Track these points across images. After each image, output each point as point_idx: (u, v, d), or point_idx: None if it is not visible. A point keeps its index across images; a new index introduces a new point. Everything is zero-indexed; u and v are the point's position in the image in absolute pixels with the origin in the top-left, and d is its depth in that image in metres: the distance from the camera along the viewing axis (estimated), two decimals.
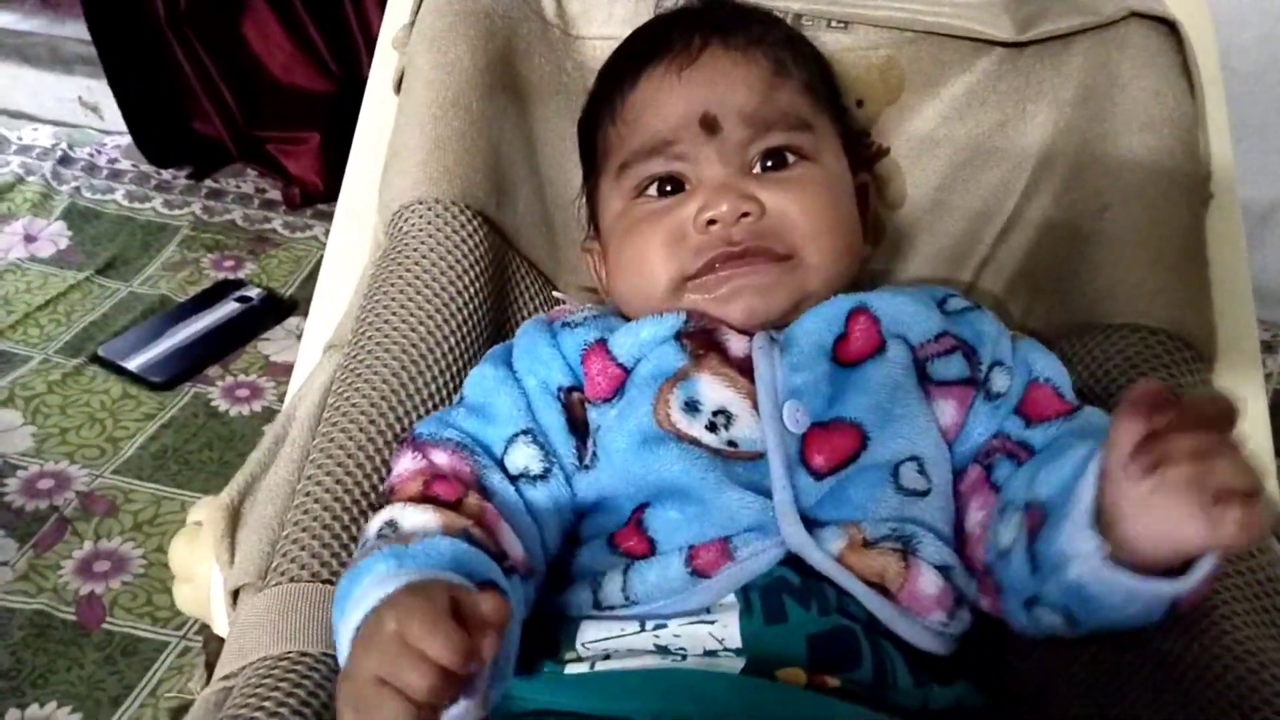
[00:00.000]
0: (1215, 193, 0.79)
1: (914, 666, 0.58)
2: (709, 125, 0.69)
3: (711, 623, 0.59)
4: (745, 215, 0.67)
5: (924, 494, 0.63)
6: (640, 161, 0.71)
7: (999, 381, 0.66)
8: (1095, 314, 0.74)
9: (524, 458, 0.64)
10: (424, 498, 0.60)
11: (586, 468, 0.65)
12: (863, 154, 0.84)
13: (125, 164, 2.10)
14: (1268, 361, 1.64)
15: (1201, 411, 0.48)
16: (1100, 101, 0.78)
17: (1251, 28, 1.58)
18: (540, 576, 0.63)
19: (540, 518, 0.63)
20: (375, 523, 0.59)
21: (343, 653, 0.50)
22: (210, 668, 0.64)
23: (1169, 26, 0.79)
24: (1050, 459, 0.58)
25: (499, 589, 0.53)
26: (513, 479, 0.63)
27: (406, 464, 0.63)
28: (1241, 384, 0.76)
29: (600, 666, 0.59)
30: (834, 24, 0.83)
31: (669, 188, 0.70)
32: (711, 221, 0.67)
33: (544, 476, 0.64)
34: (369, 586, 0.50)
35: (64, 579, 1.27)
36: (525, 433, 0.65)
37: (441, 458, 0.63)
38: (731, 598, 0.59)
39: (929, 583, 0.60)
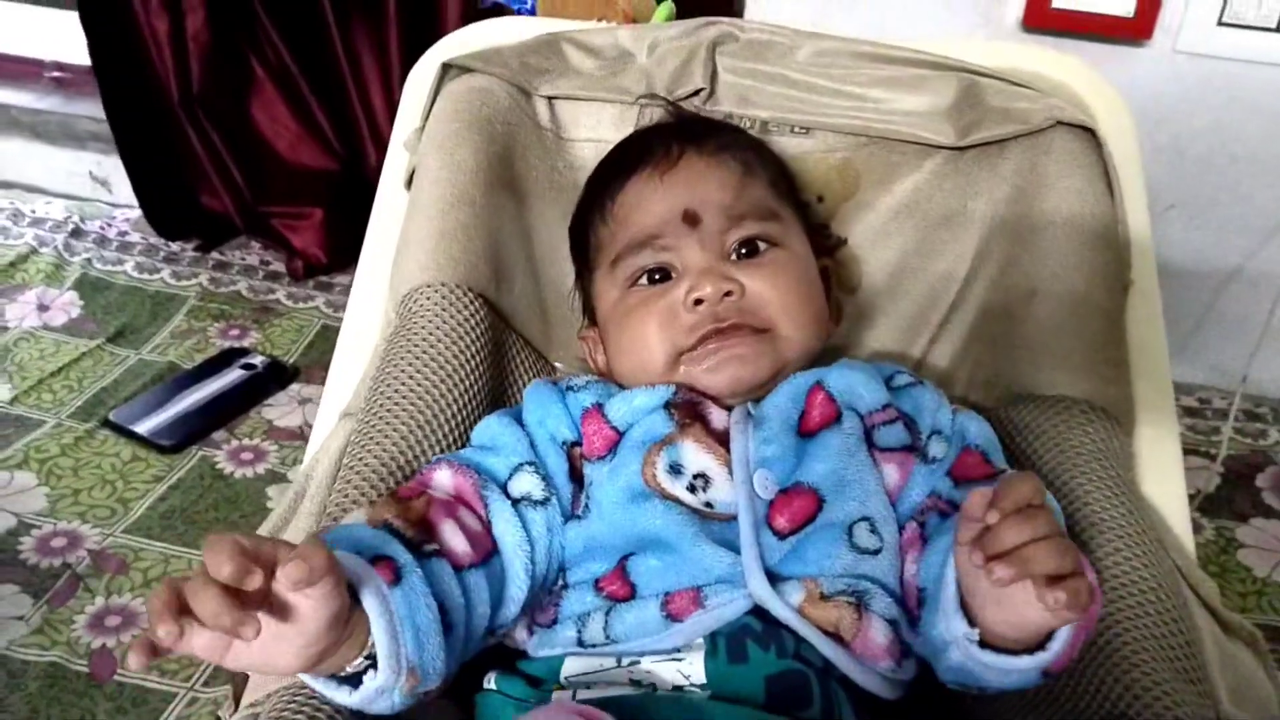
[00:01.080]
0: (1134, 280, 0.87)
1: (858, 711, 0.65)
2: (690, 219, 0.78)
3: (680, 660, 0.65)
4: (728, 294, 0.76)
5: (875, 552, 0.69)
6: (631, 255, 0.79)
7: (936, 448, 0.74)
8: (1028, 386, 0.82)
9: (527, 484, 0.71)
10: (382, 498, 0.67)
11: (579, 517, 0.72)
12: (823, 243, 0.93)
13: (135, 236, 2.17)
14: (1222, 428, 1.71)
15: (1014, 494, 0.54)
16: (1030, 199, 0.86)
17: (1199, 117, 1.66)
18: (524, 592, 0.67)
19: (535, 538, 0.69)
20: None
21: None
22: (237, 698, 0.70)
23: (1090, 133, 0.87)
24: (930, 543, 0.66)
25: (394, 562, 0.58)
26: (514, 501, 0.70)
27: (406, 488, 0.70)
28: (1160, 445, 0.83)
29: (581, 695, 0.65)
30: (796, 130, 0.92)
31: (658, 276, 0.79)
32: (699, 301, 0.75)
33: (544, 503, 0.71)
34: None
35: (77, 633, 1.31)
36: (530, 464, 0.72)
37: (445, 474, 0.69)
38: (700, 640, 0.66)
39: (880, 633, 0.66)
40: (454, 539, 0.64)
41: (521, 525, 0.69)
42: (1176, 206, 1.76)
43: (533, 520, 0.70)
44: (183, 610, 0.48)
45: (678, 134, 0.83)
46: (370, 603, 0.55)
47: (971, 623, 0.59)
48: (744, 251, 0.79)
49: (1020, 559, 0.53)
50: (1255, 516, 1.60)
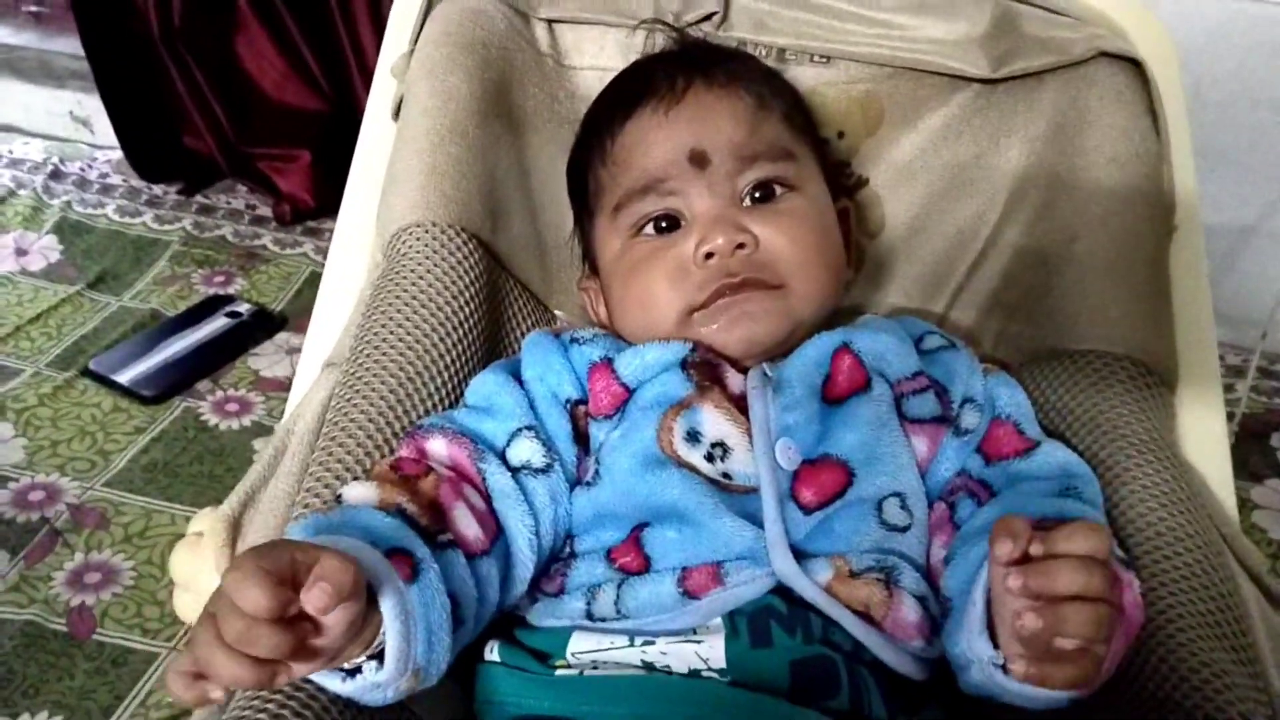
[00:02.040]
0: (1179, 224, 0.82)
1: (887, 696, 0.61)
2: (698, 160, 0.72)
3: (698, 642, 0.61)
4: (741, 247, 0.70)
5: (905, 529, 0.66)
6: (634, 201, 0.74)
7: (969, 418, 0.70)
8: (1064, 340, 0.77)
9: (527, 451, 0.67)
10: (388, 470, 0.62)
11: (588, 484, 0.67)
12: (843, 184, 0.88)
13: (116, 179, 2.11)
14: (1238, 385, 1.68)
15: (1080, 542, 0.51)
16: (1070, 137, 0.81)
17: (1223, 60, 1.62)
18: (529, 568, 0.64)
19: (538, 509, 0.65)
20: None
21: None
22: None
23: (1135, 66, 0.82)
24: (961, 548, 0.62)
25: (412, 557, 0.55)
26: (513, 470, 0.66)
27: (400, 452, 0.66)
28: (1202, 405, 0.79)
29: (588, 674, 0.61)
30: (816, 59, 0.87)
31: (664, 224, 0.73)
32: (709, 255, 0.70)
33: (545, 470, 0.66)
34: None
35: (55, 590, 1.27)
36: (529, 428, 0.67)
37: (439, 444, 0.65)
38: (718, 621, 0.61)
39: (910, 610, 0.62)
40: (466, 524, 0.61)
41: (523, 498, 0.65)
42: (1195, 156, 1.70)
43: (534, 491, 0.66)
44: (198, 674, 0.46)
45: (683, 64, 0.76)
46: (388, 605, 0.52)
47: (997, 644, 0.55)
48: (757, 195, 0.74)
49: (1057, 617, 0.50)
50: (1271, 477, 1.56)
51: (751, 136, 0.73)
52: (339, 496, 0.61)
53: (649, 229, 0.74)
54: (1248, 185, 1.71)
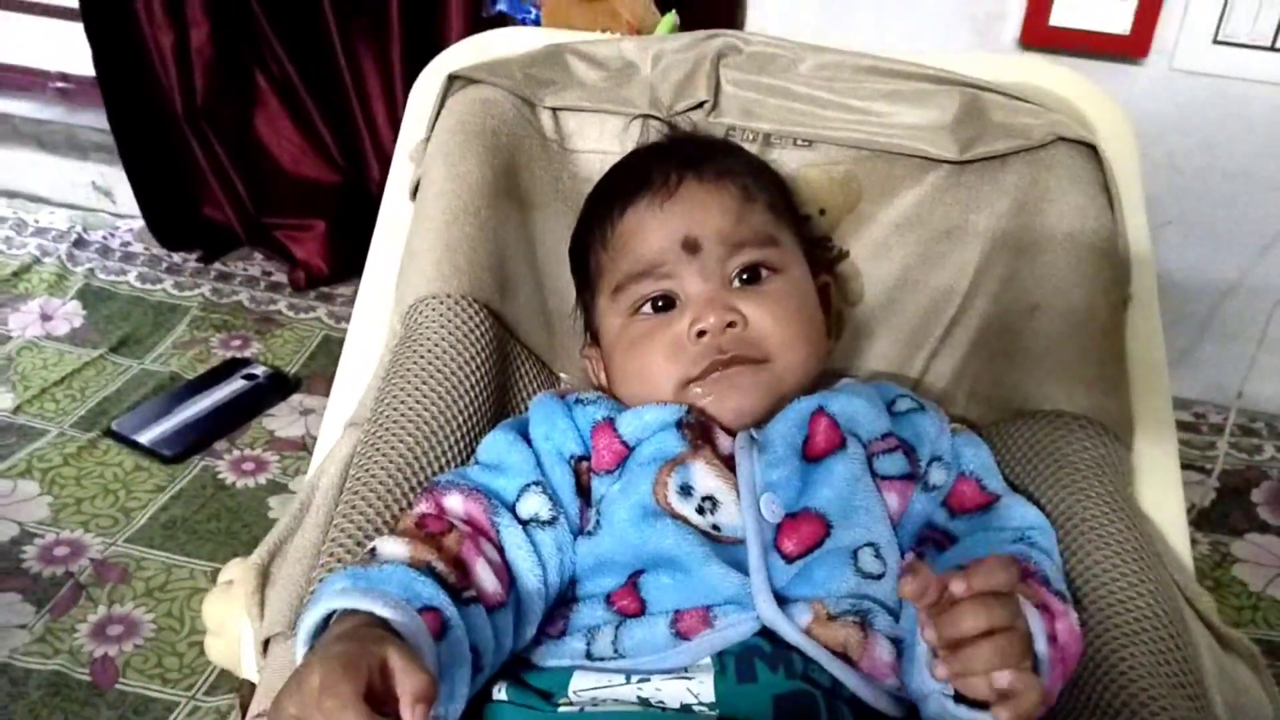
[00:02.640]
0: (1134, 294, 0.87)
1: None
2: (691, 247, 0.78)
3: (689, 679, 0.65)
4: (731, 325, 0.77)
5: (879, 576, 0.70)
6: (633, 283, 0.80)
7: (936, 475, 0.75)
8: (1028, 402, 0.82)
9: (535, 505, 0.72)
10: (414, 527, 0.67)
11: (589, 534, 0.73)
12: (825, 256, 0.93)
13: (138, 247, 2.17)
14: (1218, 442, 1.72)
15: (981, 578, 0.54)
16: (1031, 214, 0.87)
17: (1194, 134, 1.67)
18: (538, 615, 0.69)
19: (545, 559, 0.70)
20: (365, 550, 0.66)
21: (299, 647, 0.59)
22: (244, 708, 0.70)
23: (1091, 149, 0.88)
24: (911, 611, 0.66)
25: (441, 615, 0.60)
26: (523, 523, 0.71)
27: (419, 507, 0.71)
28: (1157, 459, 0.83)
29: (589, 711, 0.65)
30: (799, 142, 0.93)
31: (660, 303, 0.79)
32: (702, 333, 0.76)
33: (552, 523, 0.71)
34: (325, 597, 0.58)
35: (79, 641, 1.32)
36: (536, 484, 0.73)
37: (456, 500, 0.70)
38: (707, 660, 0.66)
39: (885, 651, 0.66)
40: (486, 579, 0.66)
41: (533, 549, 0.70)
42: (1173, 222, 1.77)
43: (542, 541, 0.71)
44: None
45: (676, 159, 0.82)
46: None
47: None
48: (745, 277, 0.80)
49: (961, 659, 0.54)
50: (1250, 531, 1.60)
51: (739, 225, 0.80)
52: (373, 550, 0.65)
53: (647, 308, 0.80)
54: (1222, 251, 1.77)
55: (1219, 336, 1.83)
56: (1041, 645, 0.58)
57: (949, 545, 0.72)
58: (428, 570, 0.62)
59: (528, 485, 0.73)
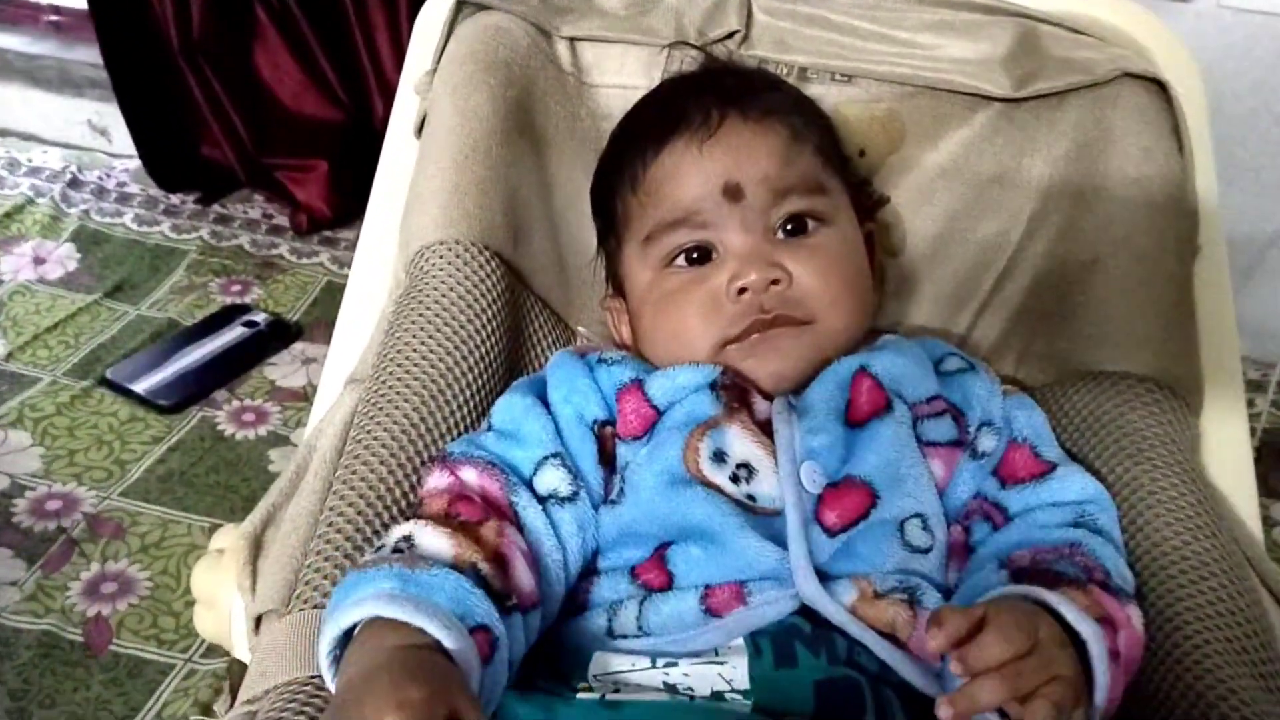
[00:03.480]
0: (1203, 244, 0.82)
1: (913, 719, 0.60)
2: (732, 193, 0.72)
3: (721, 663, 0.61)
4: (775, 283, 0.71)
5: (926, 550, 0.66)
6: (666, 233, 0.74)
7: (986, 442, 0.70)
8: (1087, 361, 0.77)
9: (553, 479, 0.67)
10: (446, 515, 0.62)
11: (613, 502, 0.68)
12: (865, 202, 0.87)
13: (134, 188, 2.14)
14: (1258, 400, 1.67)
15: (986, 656, 0.52)
16: (1093, 157, 0.81)
17: (1243, 75, 1.63)
18: (558, 601, 0.65)
19: (565, 539, 0.66)
20: (395, 533, 0.61)
21: (324, 643, 0.54)
22: (234, 691, 0.66)
23: (1159, 86, 0.82)
24: (967, 578, 0.65)
25: (491, 636, 0.56)
26: (541, 499, 0.66)
27: (436, 480, 0.66)
28: (1227, 427, 0.78)
29: (610, 697, 0.61)
30: (838, 77, 0.87)
31: (696, 255, 0.73)
32: (743, 290, 0.70)
33: (571, 499, 0.67)
34: (369, 597, 0.53)
35: (71, 600, 1.29)
36: (555, 455, 0.68)
37: (471, 475, 0.65)
38: (740, 641, 0.61)
39: None
40: (524, 579, 0.62)
41: (552, 529, 0.65)
42: (1215, 170, 1.70)
43: (562, 520, 0.66)
44: None
45: (716, 95, 0.75)
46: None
47: None
48: (790, 228, 0.74)
49: (968, 699, 0.52)
50: None
51: (786, 170, 0.73)
52: (409, 539, 0.60)
53: (680, 260, 0.74)
54: (1268, 198, 1.72)
55: (1263, 289, 1.77)
56: (1101, 674, 0.55)
57: (999, 519, 0.67)
58: (474, 574, 0.58)
59: (545, 458, 0.68)
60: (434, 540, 0.59)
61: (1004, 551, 0.65)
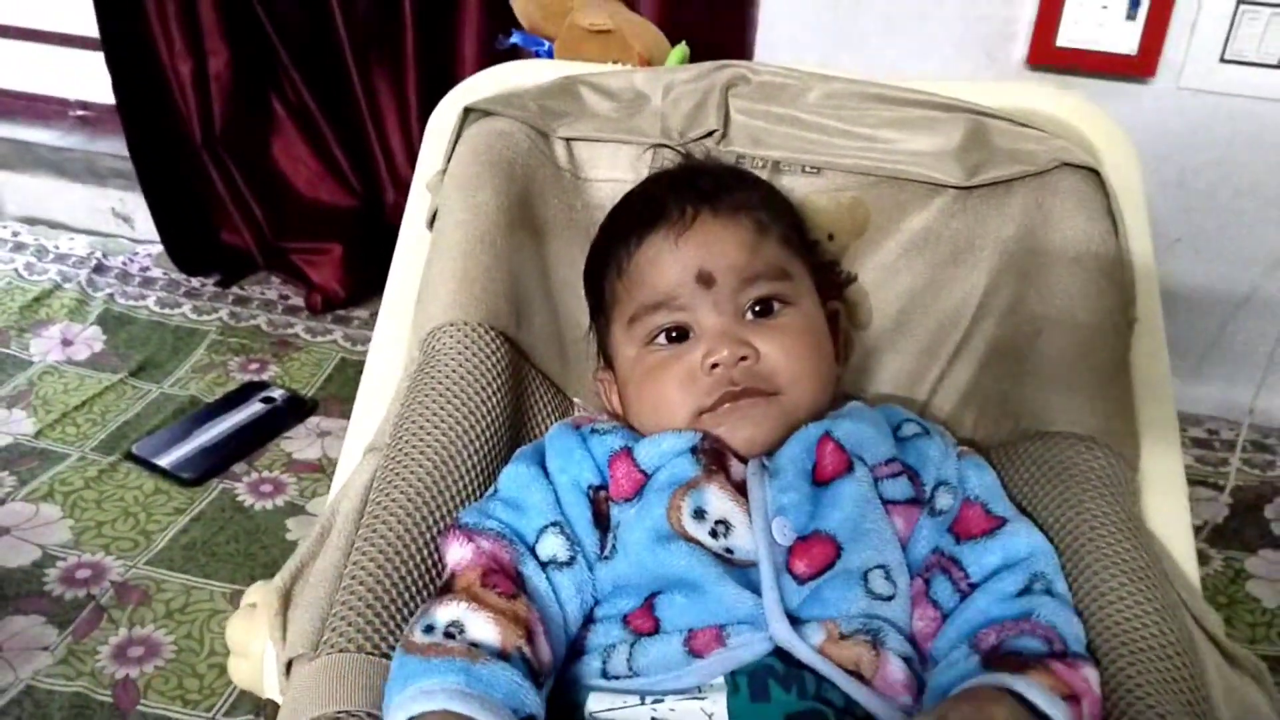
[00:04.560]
0: (1139, 316, 0.88)
1: None
2: (705, 280, 0.80)
3: (703, 699, 0.66)
4: (743, 359, 0.78)
5: (889, 598, 0.71)
6: (648, 314, 0.81)
7: (942, 500, 0.76)
8: (1035, 423, 0.83)
9: (553, 547, 0.73)
10: (483, 587, 0.67)
11: (606, 558, 0.74)
12: (834, 281, 0.95)
13: (157, 272, 2.20)
14: (1230, 459, 1.72)
15: None
16: (1036, 238, 0.88)
17: (1205, 150, 1.69)
18: (560, 659, 0.70)
19: (565, 603, 0.71)
20: (442, 614, 0.65)
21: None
22: None
23: (1094, 174, 0.89)
24: (941, 671, 0.67)
25: None
26: (543, 565, 0.72)
27: (461, 552, 0.71)
28: (1164, 479, 0.84)
29: None
30: (808, 169, 0.94)
31: (674, 334, 0.81)
32: (715, 365, 0.78)
33: (569, 563, 0.73)
34: (437, 689, 0.59)
35: (101, 663, 1.33)
36: (554, 524, 0.74)
37: (486, 545, 0.71)
38: (720, 679, 0.66)
39: (897, 669, 0.67)
40: (545, 651, 0.66)
41: (554, 594, 0.71)
42: (1183, 240, 1.78)
43: (562, 585, 0.72)
44: None
45: (692, 194, 0.83)
46: None
47: None
48: (758, 310, 0.81)
49: None
50: (1264, 548, 1.61)
51: (752, 259, 0.81)
52: (459, 625, 0.64)
53: (661, 339, 0.81)
54: (1234, 266, 1.78)
55: (1230, 353, 1.83)
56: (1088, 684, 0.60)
57: (955, 573, 0.73)
58: (520, 659, 0.63)
59: (546, 526, 0.74)
60: (482, 628, 0.64)
61: (971, 631, 0.69)
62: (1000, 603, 0.70)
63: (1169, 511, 0.83)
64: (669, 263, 0.81)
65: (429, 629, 0.65)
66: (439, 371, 0.82)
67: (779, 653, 0.67)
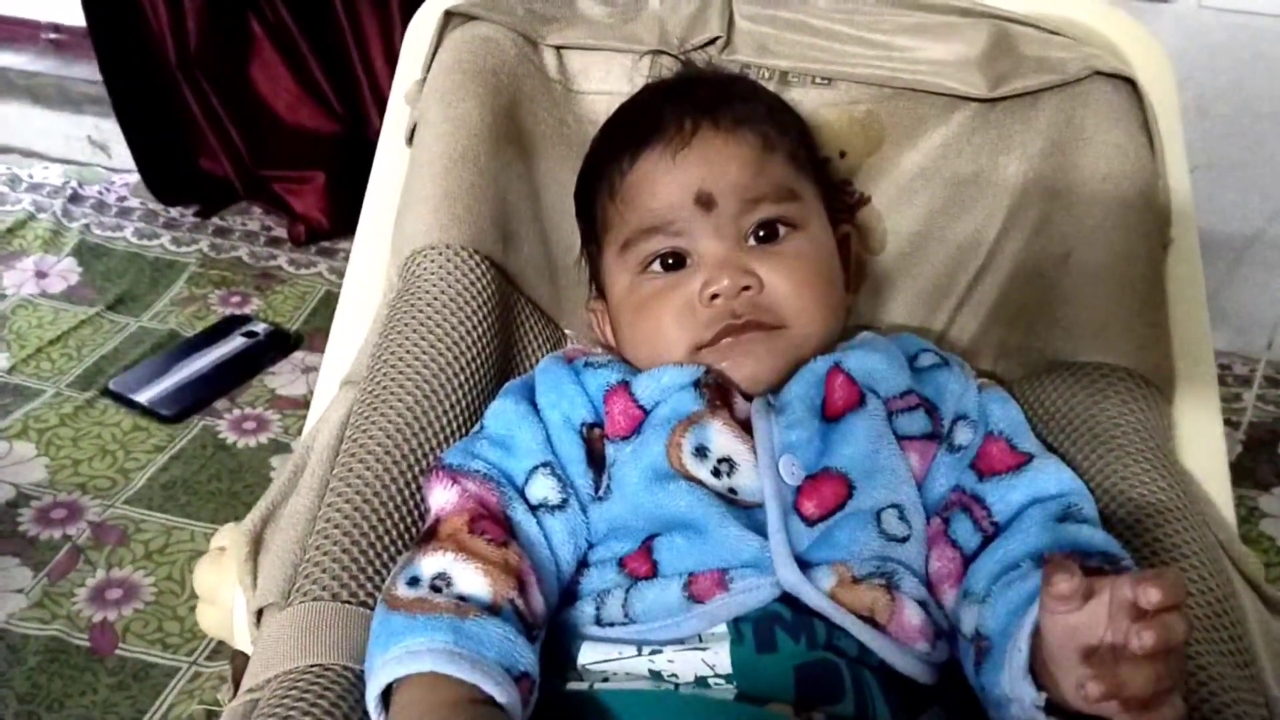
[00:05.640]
0: (1175, 238, 0.83)
1: (891, 700, 0.62)
2: (704, 202, 0.74)
3: (704, 649, 0.62)
4: (746, 289, 0.72)
5: (904, 539, 0.67)
6: (642, 240, 0.76)
7: (962, 435, 0.71)
8: (1062, 352, 0.78)
9: (543, 489, 0.68)
10: (470, 534, 0.63)
11: (600, 499, 0.69)
12: (845, 202, 0.89)
13: (134, 202, 2.16)
14: (1244, 394, 1.69)
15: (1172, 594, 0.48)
16: (1066, 154, 0.82)
17: (1226, 73, 1.64)
18: (552, 607, 0.66)
19: (556, 548, 0.67)
20: (427, 564, 0.61)
21: (377, 683, 0.56)
22: (236, 681, 0.67)
23: (1130, 84, 0.83)
24: (995, 587, 0.61)
25: (530, 680, 0.58)
26: (533, 508, 0.67)
27: (445, 495, 0.66)
28: (1200, 414, 0.80)
29: (599, 688, 0.63)
30: (818, 80, 0.88)
31: (671, 261, 0.75)
32: (715, 296, 0.72)
33: (561, 506, 0.68)
34: (424, 649, 0.55)
35: (77, 606, 1.31)
36: (545, 465, 0.69)
37: (471, 488, 0.66)
38: (723, 628, 0.62)
39: (913, 614, 0.63)
40: (538, 602, 0.63)
41: (545, 539, 0.67)
42: (1199, 167, 1.71)
43: (553, 529, 0.67)
44: None
45: (691, 105, 0.77)
46: None
47: (1040, 685, 0.54)
48: (761, 235, 0.75)
49: (1118, 682, 0.48)
50: (1278, 485, 1.58)
51: (757, 178, 0.75)
52: (445, 577, 0.61)
53: (656, 265, 0.76)
54: (1253, 194, 1.73)
55: (1247, 285, 1.79)
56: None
57: (978, 511, 0.68)
58: (512, 612, 0.60)
59: (536, 467, 0.69)
60: (471, 580, 0.60)
61: (1013, 562, 0.62)
62: (1034, 531, 0.64)
63: (1204, 449, 0.79)
64: (665, 182, 0.75)
65: (414, 581, 0.61)
66: (420, 299, 0.78)
67: (787, 599, 0.63)
